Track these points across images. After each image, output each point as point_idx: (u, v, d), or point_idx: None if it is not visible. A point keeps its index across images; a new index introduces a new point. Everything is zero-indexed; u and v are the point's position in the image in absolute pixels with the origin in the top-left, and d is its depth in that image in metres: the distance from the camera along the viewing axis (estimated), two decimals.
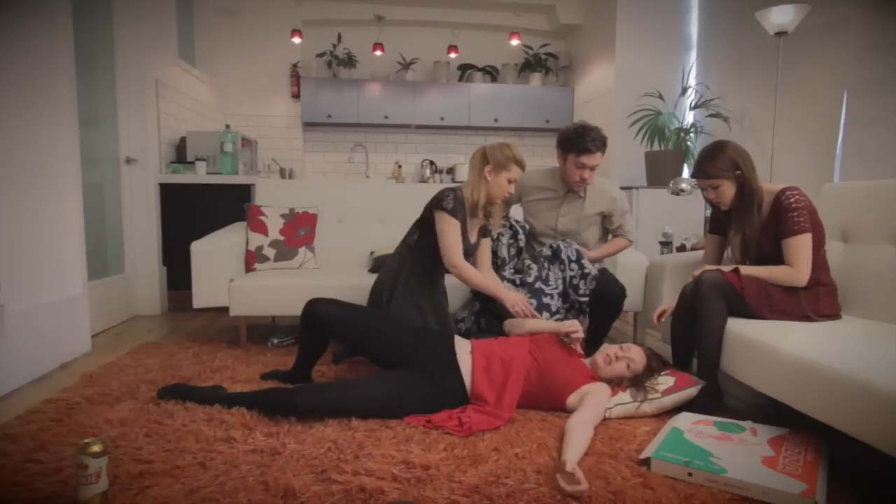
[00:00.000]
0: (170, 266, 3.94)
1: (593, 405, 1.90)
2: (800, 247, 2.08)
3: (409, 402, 1.93)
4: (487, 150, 2.43)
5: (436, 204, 2.38)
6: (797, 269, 2.08)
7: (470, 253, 2.50)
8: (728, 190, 2.19)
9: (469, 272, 2.36)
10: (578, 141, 2.57)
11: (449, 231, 2.34)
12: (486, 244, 2.58)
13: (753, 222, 2.18)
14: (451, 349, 2.06)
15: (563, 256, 2.58)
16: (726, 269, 2.15)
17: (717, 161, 2.17)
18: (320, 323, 2.11)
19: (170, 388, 2.13)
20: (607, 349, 2.12)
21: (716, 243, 2.42)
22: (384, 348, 2.10)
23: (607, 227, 2.83)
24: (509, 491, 1.46)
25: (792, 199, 2.09)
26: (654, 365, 2.10)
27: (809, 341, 1.76)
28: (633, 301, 2.87)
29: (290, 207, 3.29)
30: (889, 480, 1.65)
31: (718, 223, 2.39)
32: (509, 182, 2.43)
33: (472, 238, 2.51)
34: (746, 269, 2.13)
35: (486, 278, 2.41)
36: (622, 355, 2.07)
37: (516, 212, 3.04)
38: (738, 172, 2.16)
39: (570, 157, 2.61)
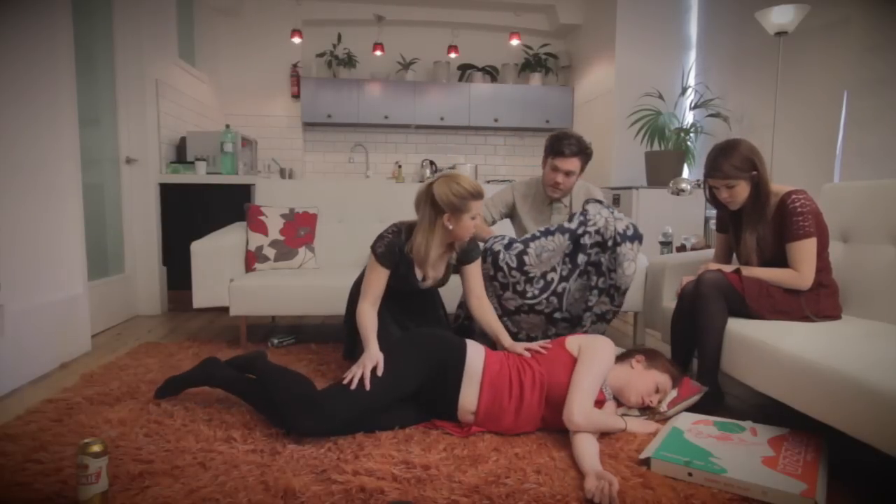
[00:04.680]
0: (170, 266, 3.94)
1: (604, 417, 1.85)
2: (804, 251, 2.07)
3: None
4: (436, 194, 2.02)
5: (374, 242, 2.11)
6: (801, 273, 2.08)
7: (438, 285, 2.29)
8: (743, 190, 2.15)
9: (361, 320, 2.02)
10: (556, 143, 2.61)
11: (369, 274, 2.09)
12: (473, 270, 2.22)
13: (767, 223, 2.15)
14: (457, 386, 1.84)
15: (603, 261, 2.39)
16: (727, 269, 2.15)
17: (734, 160, 2.11)
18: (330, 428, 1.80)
19: (163, 386, 2.11)
20: (643, 393, 1.91)
21: (724, 242, 2.41)
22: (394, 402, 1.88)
23: None
24: (509, 491, 1.46)
25: (798, 203, 2.08)
26: (674, 384, 1.99)
27: (809, 341, 1.76)
28: (634, 301, 2.87)
29: (290, 207, 3.29)
30: (889, 480, 1.64)
31: (724, 222, 2.38)
32: (473, 219, 2.06)
33: (437, 272, 2.20)
34: (749, 271, 2.12)
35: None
36: (657, 398, 1.94)
37: (504, 227, 2.97)
38: (755, 173, 2.12)
39: (549, 160, 2.66)
